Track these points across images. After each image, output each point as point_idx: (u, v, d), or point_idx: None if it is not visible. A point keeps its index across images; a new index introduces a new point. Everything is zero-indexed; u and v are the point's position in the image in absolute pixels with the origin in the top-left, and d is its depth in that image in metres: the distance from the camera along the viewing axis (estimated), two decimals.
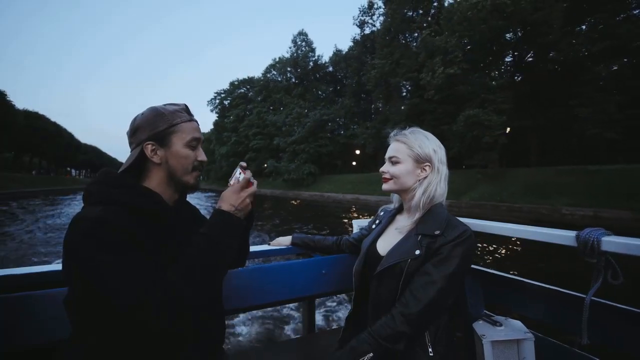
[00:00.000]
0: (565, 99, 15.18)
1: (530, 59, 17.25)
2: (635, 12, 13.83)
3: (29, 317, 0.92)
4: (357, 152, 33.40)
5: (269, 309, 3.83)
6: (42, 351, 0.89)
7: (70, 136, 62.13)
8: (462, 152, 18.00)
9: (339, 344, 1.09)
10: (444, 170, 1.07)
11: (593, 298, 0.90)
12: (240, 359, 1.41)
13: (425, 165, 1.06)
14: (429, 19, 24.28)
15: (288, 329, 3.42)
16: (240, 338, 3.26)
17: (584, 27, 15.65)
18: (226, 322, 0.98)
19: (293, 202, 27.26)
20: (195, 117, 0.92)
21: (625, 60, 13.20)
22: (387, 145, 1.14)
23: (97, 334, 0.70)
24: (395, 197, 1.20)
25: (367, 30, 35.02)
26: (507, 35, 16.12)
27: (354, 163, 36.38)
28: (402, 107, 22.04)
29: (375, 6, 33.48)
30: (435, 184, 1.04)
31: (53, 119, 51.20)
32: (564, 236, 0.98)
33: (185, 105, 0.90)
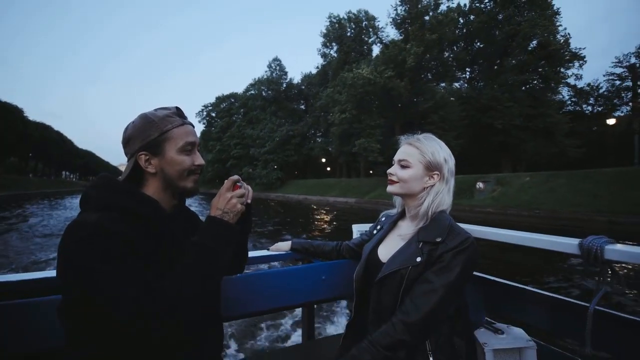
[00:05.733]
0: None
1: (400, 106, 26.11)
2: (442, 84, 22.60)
3: (26, 325, 0.89)
4: (324, 160, 41.48)
5: (268, 315, 3.78)
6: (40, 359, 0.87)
7: (70, 143, 69.36)
8: (365, 165, 26.80)
9: (339, 351, 1.06)
10: (451, 180, 1.04)
11: (597, 307, 0.89)
12: None
13: (434, 174, 1.03)
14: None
15: (287, 336, 3.27)
16: (239, 345, 3.16)
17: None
18: (224, 329, 0.97)
19: (267, 202, 34.82)
20: (190, 120, 0.90)
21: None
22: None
23: (92, 342, 0.70)
24: (398, 202, 1.16)
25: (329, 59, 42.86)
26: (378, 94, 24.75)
27: (328, 169, 44.40)
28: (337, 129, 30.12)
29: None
30: (444, 193, 1.02)
31: (51, 121, 58.32)
32: (567, 244, 0.97)
33: (177, 108, 0.88)
